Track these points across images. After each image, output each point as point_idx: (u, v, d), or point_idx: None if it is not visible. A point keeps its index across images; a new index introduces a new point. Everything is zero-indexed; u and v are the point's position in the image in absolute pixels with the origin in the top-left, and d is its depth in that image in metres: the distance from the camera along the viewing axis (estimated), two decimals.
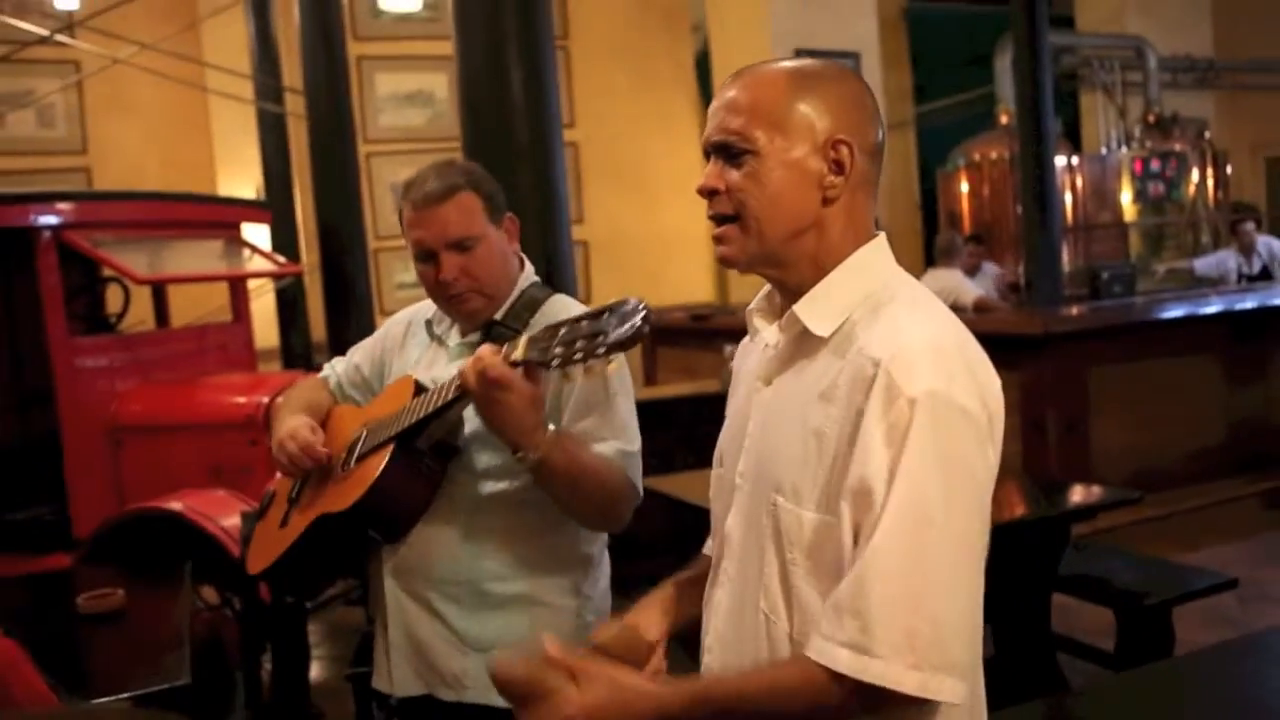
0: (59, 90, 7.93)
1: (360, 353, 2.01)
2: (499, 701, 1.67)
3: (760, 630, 1.20)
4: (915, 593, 1.04)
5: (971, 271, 7.04)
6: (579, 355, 1.38)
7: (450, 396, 1.62)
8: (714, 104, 1.22)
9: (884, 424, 1.07)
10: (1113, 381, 5.49)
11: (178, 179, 7.51)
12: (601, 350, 1.36)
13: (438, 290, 1.77)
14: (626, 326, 1.35)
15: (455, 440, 1.73)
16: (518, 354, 1.49)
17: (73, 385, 3.91)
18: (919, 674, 1.03)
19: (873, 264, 1.21)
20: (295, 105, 6.17)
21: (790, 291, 1.22)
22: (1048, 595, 3.24)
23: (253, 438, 3.76)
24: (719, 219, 1.21)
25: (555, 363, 1.41)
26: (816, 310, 1.19)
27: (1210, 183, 8.68)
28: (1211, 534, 4.96)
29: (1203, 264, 7.94)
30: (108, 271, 4.52)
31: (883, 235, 1.24)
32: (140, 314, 4.92)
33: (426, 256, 1.75)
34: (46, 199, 4.02)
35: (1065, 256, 7.31)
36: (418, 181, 1.76)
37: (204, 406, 3.91)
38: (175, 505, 3.46)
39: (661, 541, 2.36)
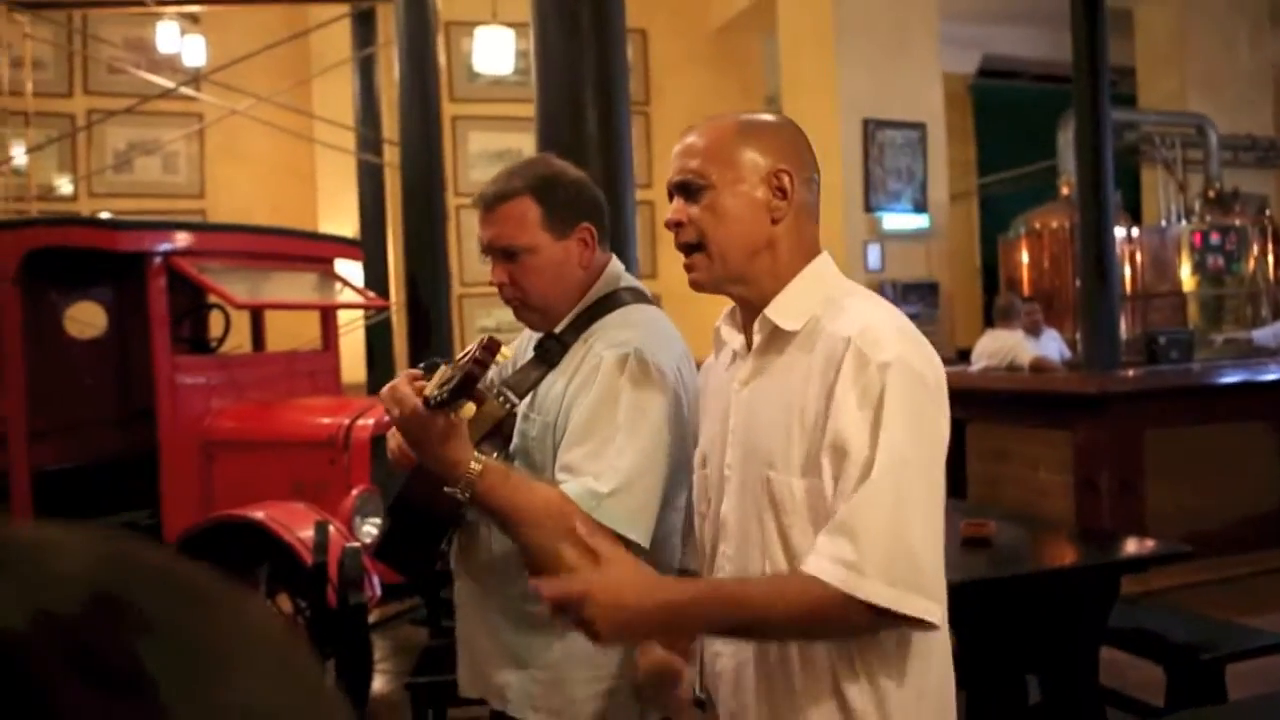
0: (182, 138, 8.24)
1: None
2: (530, 719, 1.66)
3: None
4: (897, 525, 1.17)
5: (1033, 332, 6.86)
6: (455, 384, 1.35)
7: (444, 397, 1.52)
8: (675, 150, 1.36)
9: (857, 387, 1.20)
10: (1168, 445, 5.29)
11: (283, 222, 7.70)
12: (445, 399, 1.35)
13: (498, 292, 1.68)
14: (458, 375, 1.35)
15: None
16: (429, 389, 1.42)
17: (172, 400, 3.99)
18: (895, 590, 1.15)
19: (825, 274, 1.36)
20: (393, 157, 6.32)
21: (754, 306, 1.34)
22: (1096, 647, 3.08)
23: (332, 457, 3.79)
24: (686, 248, 1.34)
25: (444, 397, 1.36)
26: (785, 311, 1.31)
27: (1270, 258, 8.40)
28: (1269, 600, 4.71)
29: (1261, 334, 7.66)
30: (212, 298, 4.63)
31: (827, 252, 1.38)
32: (239, 339, 5.03)
33: (487, 254, 1.66)
34: (160, 227, 4.16)
35: (1123, 325, 7.11)
36: (494, 178, 1.66)
37: (289, 426, 3.96)
38: (257, 514, 3.49)
39: None
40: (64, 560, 0.31)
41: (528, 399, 1.65)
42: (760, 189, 1.31)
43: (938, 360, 1.27)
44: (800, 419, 1.25)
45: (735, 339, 1.39)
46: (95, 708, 0.27)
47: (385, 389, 1.50)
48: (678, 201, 1.34)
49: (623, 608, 1.17)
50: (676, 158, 1.35)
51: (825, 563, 1.16)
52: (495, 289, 1.66)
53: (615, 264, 1.72)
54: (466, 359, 1.38)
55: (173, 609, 0.31)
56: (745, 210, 1.31)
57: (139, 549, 0.33)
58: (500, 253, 1.61)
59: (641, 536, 1.50)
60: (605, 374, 1.53)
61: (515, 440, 1.64)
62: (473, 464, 1.44)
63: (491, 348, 1.37)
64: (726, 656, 1.37)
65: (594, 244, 1.66)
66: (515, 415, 1.63)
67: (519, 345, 1.81)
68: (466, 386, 1.36)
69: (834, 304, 1.30)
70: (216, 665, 0.31)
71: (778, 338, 1.32)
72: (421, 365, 1.61)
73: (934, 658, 1.29)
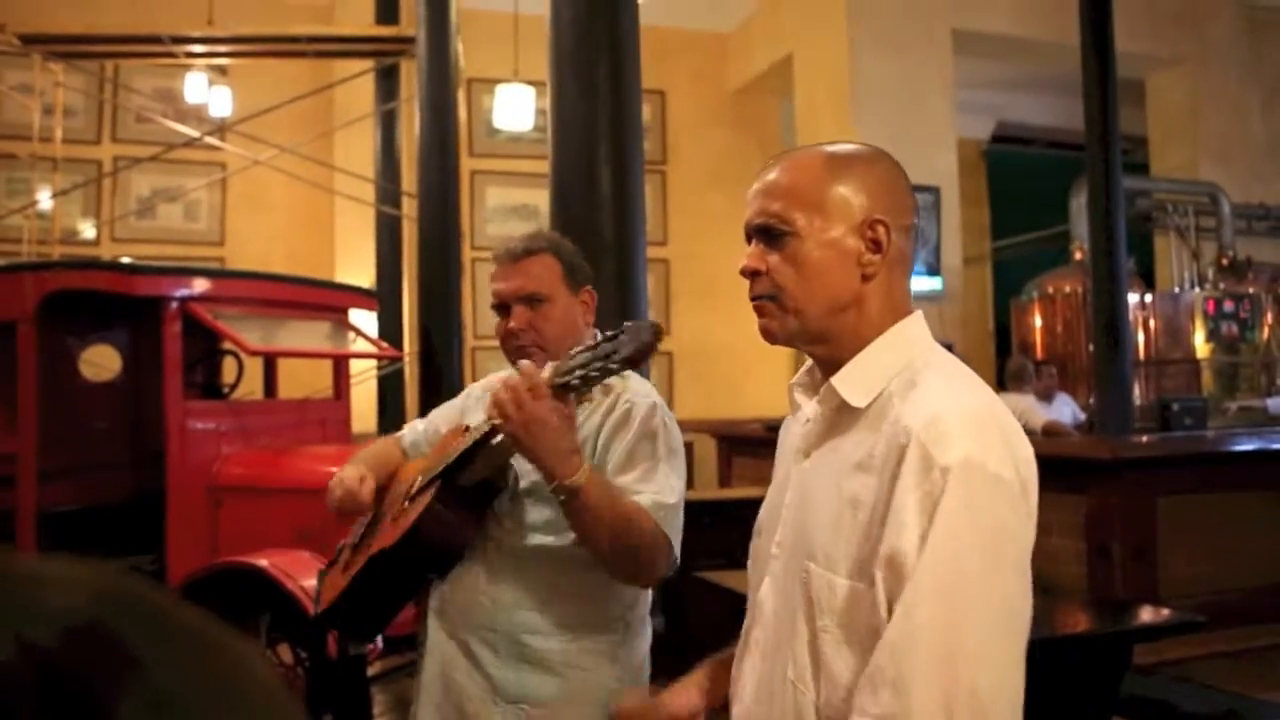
0: (204, 186, 8.36)
1: (440, 414, 2.03)
2: None
3: (787, 700, 1.13)
4: (952, 661, 0.97)
5: (1048, 396, 6.82)
6: (595, 373, 1.41)
7: (486, 429, 1.62)
8: (754, 188, 1.20)
9: (918, 493, 1.02)
10: (1182, 512, 5.22)
11: (300, 271, 7.78)
12: (615, 365, 1.39)
13: (506, 340, 1.79)
14: (636, 343, 1.38)
15: (499, 480, 1.72)
16: (547, 375, 1.49)
17: (182, 445, 3.99)
18: None
19: (910, 338, 1.17)
20: (411, 209, 6.39)
21: (831, 366, 1.18)
22: (1107, 717, 3.02)
23: None
24: (758, 297, 1.18)
25: (576, 382, 1.44)
26: (853, 382, 1.14)
27: None
28: None
29: (1275, 403, 7.60)
30: (226, 344, 4.65)
31: (919, 312, 1.20)
32: (251, 385, 5.04)
33: (501, 308, 1.80)
34: (176, 273, 4.19)
35: (1136, 391, 7.07)
36: (505, 244, 1.83)
37: (296, 473, 3.95)
38: (260, 561, 3.47)
39: (726, 633, 2.28)
40: (59, 594, 0.31)
41: None
42: (851, 238, 1.14)
43: (1028, 452, 1.08)
44: (854, 511, 1.08)
45: (809, 404, 1.21)
46: None
47: (504, 379, 1.57)
48: (756, 246, 1.18)
49: None
50: (756, 197, 1.19)
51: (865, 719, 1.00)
52: (503, 339, 1.80)
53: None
54: (607, 348, 1.43)
55: (162, 651, 0.31)
56: (833, 263, 1.14)
57: (138, 587, 0.33)
58: (526, 300, 1.76)
59: (677, 558, 1.66)
60: (642, 417, 1.70)
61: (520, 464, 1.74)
62: (582, 459, 1.53)
63: (659, 334, 1.41)
64: None
65: (593, 305, 1.86)
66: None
67: (472, 395, 1.98)
68: (618, 370, 1.41)
69: (910, 376, 1.12)
70: (197, 714, 0.30)
71: (845, 412, 1.15)
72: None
73: None
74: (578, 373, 1.44)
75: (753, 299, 1.19)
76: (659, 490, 1.65)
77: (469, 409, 1.96)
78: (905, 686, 0.97)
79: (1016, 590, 1.03)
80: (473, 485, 1.70)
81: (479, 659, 1.72)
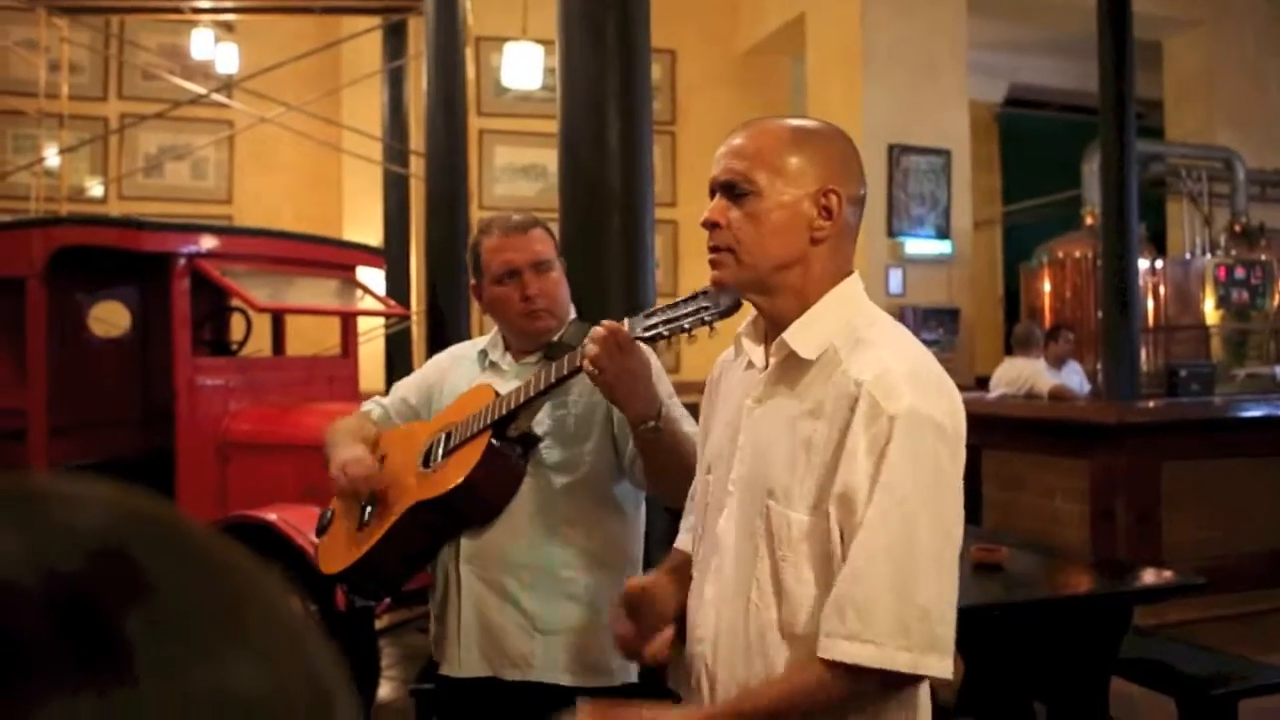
0: (212, 144, 8.33)
1: (405, 388, 2.11)
2: (562, 680, 1.81)
3: (750, 620, 1.27)
4: (904, 584, 1.15)
5: (1060, 361, 6.76)
6: (687, 325, 1.49)
7: (557, 376, 1.70)
8: (721, 149, 1.31)
9: (867, 437, 1.17)
10: (1186, 477, 5.23)
11: (308, 230, 7.78)
12: (709, 318, 1.46)
13: (520, 308, 1.88)
14: (728, 301, 1.44)
15: (537, 432, 1.82)
16: (635, 329, 1.56)
17: (191, 401, 4.02)
18: (910, 655, 1.14)
19: (850, 297, 1.31)
20: (419, 168, 6.36)
21: (773, 317, 1.31)
22: (1107, 676, 3.04)
23: None
24: (715, 248, 1.30)
25: (666, 332, 1.51)
26: (803, 337, 1.27)
27: None
28: None
29: None
30: (234, 301, 4.67)
31: (857, 273, 1.34)
32: (259, 343, 5.06)
33: (512, 275, 1.88)
34: (185, 229, 4.20)
35: (1145, 357, 7.05)
36: (499, 219, 1.95)
37: (304, 429, 3.97)
38: (269, 516, 3.51)
39: None
40: (78, 513, 0.30)
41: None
42: (806, 203, 1.27)
43: (956, 402, 1.23)
44: (807, 453, 1.23)
45: (755, 351, 1.36)
46: (65, 667, 0.27)
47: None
48: (719, 201, 1.30)
49: None
50: (723, 157, 1.30)
51: (841, 643, 1.15)
52: (518, 305, 1.89)
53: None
54: (698, 302, 1.49)
55: (181, 574, 0.30)
56: (787, 224, 1.27)
57: (160, 508, 0.32)
58: (536, 266, 1.88)
59: None
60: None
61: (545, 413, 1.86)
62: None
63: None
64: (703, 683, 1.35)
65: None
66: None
67: (440, 366, 2.07)
68: (712, 321, 1.47)
69: (855, 334, 1.26)
70: (212, 640, 0.29)
71: (793, 363, 1.28)
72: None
73: (917, 698, 1.27)
74: (669, 324, 1.52)
75: (710, 249, 1.31)
76: (685, 419, 1.75)
77: (439, 380, 2.03)
78: (868, 609, 1.14)
79: (952, 520, 1.20)
80: (518, 437, 1.80)
81: (515, 597, 1.84)
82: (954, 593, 1.19)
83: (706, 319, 1.46)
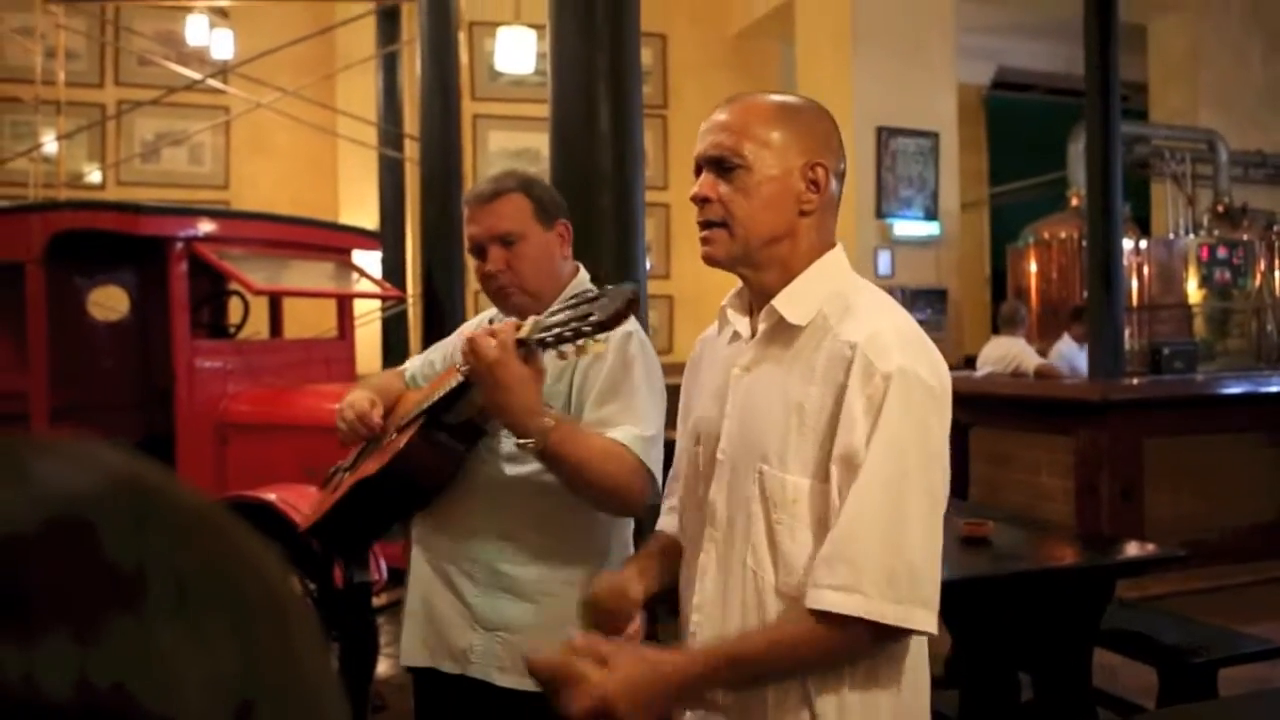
0: (208, 130, 8.28)
1: (437, 350, 2.04)
2: (498, 679, 1.71)
3: (748, 584, 1.26)
4: (894, 539, 1.15)
5: (1083, 341, 6.57)
6: (569, 334, 1.41)
7: (461, 379, 1.62)
8: (705, 125, 1.30)
9: (863, 396, 1.18)
10: (1169, 453, 5.26)
11: (304, 214, 7.74)
12: (588, 329, 1.39)
13: (486, 283, 1.79)
14: (613, 307, 1.39)
15: (483, 423, 1.71)
16: (523, 332, 1.48)
17: (190, 383, 4.01)
18: (899, 607, 1.14)
19: (836, 267, 1.31)
20: (414, 153, 6.34)
21: (760, 290, 1.31)
22: (1090, 647, 3.07)
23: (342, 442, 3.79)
24: (707, 224, 1.28)
25: (550, 340, 1.44)
26: (793, 304, 1.27)
27: (1277, 273, 8.34)
28: (1265, 610, 4.67)
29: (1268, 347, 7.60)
30: (232, 284, 4.65)
31: (841, 245, 1.34)
32: (257, 326, 5.05)
33: (478, 251, 1.79)
34: (182, 213, 4.19)
35: (1129, 336, 7.06)
36: (474, 188, 1.84)
37: (302, 410, 3.97)
38: (268, 495, 3.51)
39: None
40: (69, 472, 0.30)
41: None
42: (794, 177, 1.26)
43: (943, 365, 1.24)
44: (800, 417, 1.22)
45: (740, 321, 1.35)
46: (80, 612, 0.27)
47: (471, 331, 1.59)
48: (707, 176, 1.28)
49: (646, 704, 1.16)
50: (708, 132, 1.29)
51: (828, 593, 1.15)
52: (482, 282, 1.80)
53: (583, 270, 1.91)
54: (583, 310, 1.42)
55: (161, 532, 0.30)
56: (777, 197, 1.26)
57: (156, 474, 0.32)
58: (499, 240, 1.76)
59: (660, 488, 1.64)
60: (617, 347, 1.68)
61: None
62: (547, 417, 1.53)
63: (636, 302, 1.42)
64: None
65: (569, 238, 1.85)
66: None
67: (466, 331, 1.95)
68: (591, 334, 1.40)
69: (842, 302, 1.26)
70: (194, 609, 0.29)
71: (783, 329, 1.28)
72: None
73: (910, 659, 1.26)
74: (553, 331, 1.44)
75: (701, 224, 1.29)
76: (637, 422, 1.66)
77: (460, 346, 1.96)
78: (859, 562, 1.15)
79: (939, 478, 1.21)
80: (457, 424, 1.71)
81: (458, 587, 1.75)
82: (939, 554, 1.20)
83: (586, 329, 1.40)
